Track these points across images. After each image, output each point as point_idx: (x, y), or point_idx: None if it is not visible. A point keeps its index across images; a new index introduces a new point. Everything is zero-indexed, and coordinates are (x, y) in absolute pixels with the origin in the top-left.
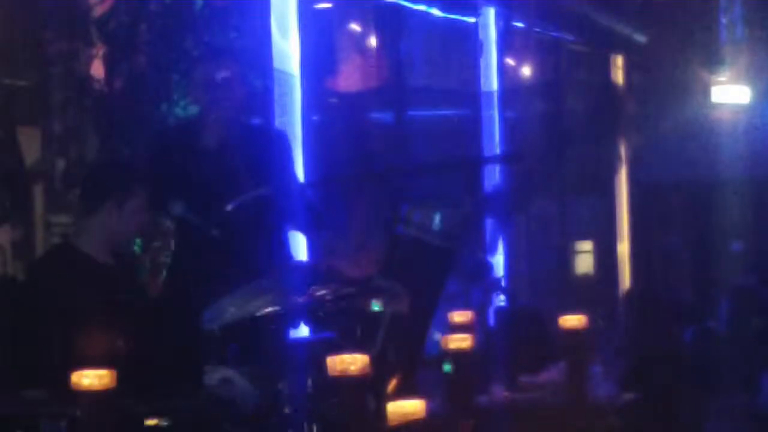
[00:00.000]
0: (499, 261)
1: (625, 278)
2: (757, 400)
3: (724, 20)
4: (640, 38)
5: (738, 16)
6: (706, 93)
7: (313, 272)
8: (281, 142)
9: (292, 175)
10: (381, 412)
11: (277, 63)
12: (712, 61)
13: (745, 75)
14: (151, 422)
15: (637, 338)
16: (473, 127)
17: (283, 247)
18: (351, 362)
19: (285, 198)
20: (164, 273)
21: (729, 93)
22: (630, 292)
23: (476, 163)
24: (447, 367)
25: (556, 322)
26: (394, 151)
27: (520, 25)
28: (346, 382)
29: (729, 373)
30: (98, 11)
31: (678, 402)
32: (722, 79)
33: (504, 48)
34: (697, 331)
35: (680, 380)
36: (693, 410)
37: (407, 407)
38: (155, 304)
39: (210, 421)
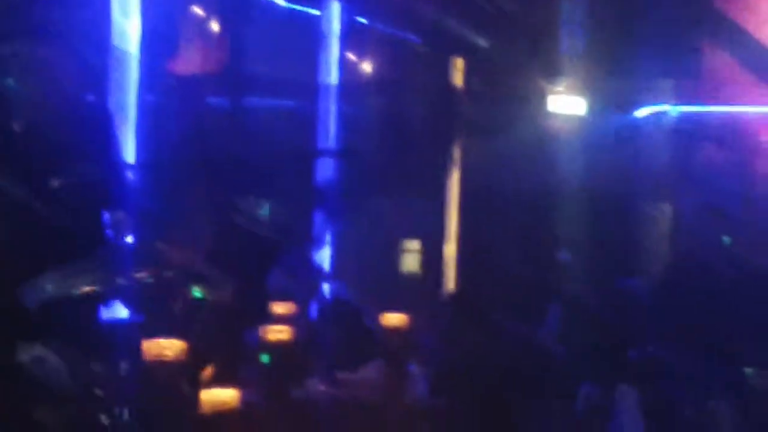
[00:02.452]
0: (325, 255)
1: (450, 279)
2: (576, 405)
3: (565, 30)
4: (483, 43)
5: (578, 27)
6: (543, 101)
7: (136, 254)
8: (103, 120)
9: (114, 154)
10: (195, 399)
11: (115, 40)
12: (551, 70)
13: (582, 86)
14: None
15: (453, 341)
16: (310, 119)
17: (106, 227)
18: (167, 347)
19: (106, 178)
20: None
21: (565, 103)
22: (452, 294)
23: (310, 155)
24: (265, 359)
25: (378, 319)
26: (229, 138)
27: (363, 21)
28: (161, 366)
29: (552, 379)
30: None
31: (491, 408)
32: (560, 89)
33: (346, 43)
34: (521, 336)
35: (497, 386)
36: (507, 417)
37: (221, 396)
38: None
39: (20, 400)
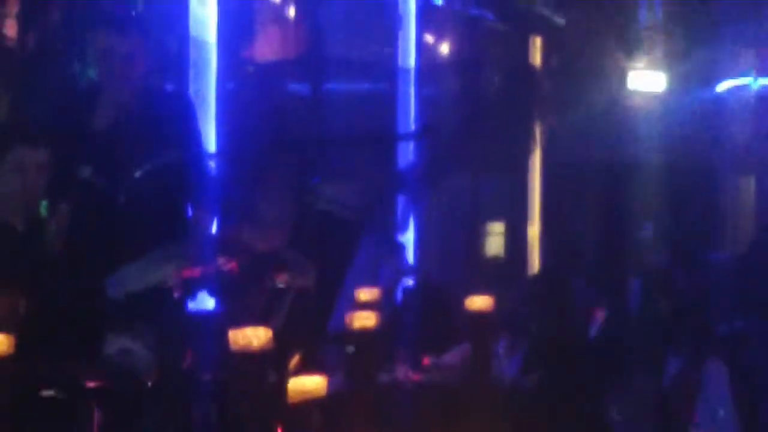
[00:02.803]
0: (409, 238)
1: (535, 259)
2: (663, 382)
3: (643, 4)
4: (559, 20)
5: (657, 2)
6: (623, 78)
7: (219, 242)
8: (184, 110)
9: (196, 143)
10: (282, 387)
11: (193, 29)
12: (630, 46)
13: (662, 61)
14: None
15: (543, 319)
16: (389, 101)
17: (188, 216)
18: (253, 336)
19: (188, 167)
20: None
21: (645, 79)
22: (538, 274)
23: (390, 138)
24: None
25: (463, 302)
26: (308, 122)
27: (439, 1)
28: (247, 356)
29: (637, 355)
30: None
31: (582, 384)
32: (639, 64)
33: (423, 24)
34: (606, 312)
35: (585, 362)
36: (597, 393)
37: (308, 384)
38: (58, 268)
39: (109, 390)
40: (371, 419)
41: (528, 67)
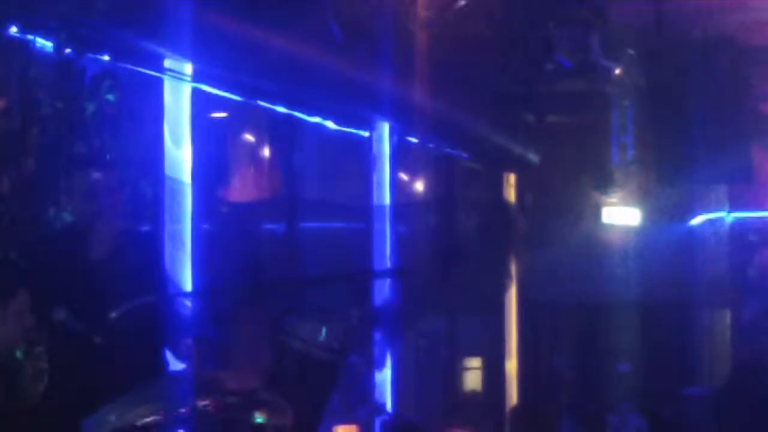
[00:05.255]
0: (386, 376)
1: (512, 396)
2: None
3: (616, 142)
4: (533, 157)
5: (630, 138)
6: (597, 214)
7: (196, 382)
8: (159, 251)
9: (171, 284)
10: None
11: (168, 170)
12: (604, 182)
13: (636, 197)
14: None
15: None
16: (365, 240)
17: (165, 356)
18: None
19: (164, 308)
20: (44, 380)
21: (619, 214)
22: (516, 410)
23: (366, 276)
24: None
25: None
26: (284, 262)
27: (413, 140)
28: None
29: None
30: None
31: None
32: (613, 200)
33: (397, 162)
34: None
35: None
36: None
37: None
38: (35, 411)
39: None
40: None
41: (503, 204)
